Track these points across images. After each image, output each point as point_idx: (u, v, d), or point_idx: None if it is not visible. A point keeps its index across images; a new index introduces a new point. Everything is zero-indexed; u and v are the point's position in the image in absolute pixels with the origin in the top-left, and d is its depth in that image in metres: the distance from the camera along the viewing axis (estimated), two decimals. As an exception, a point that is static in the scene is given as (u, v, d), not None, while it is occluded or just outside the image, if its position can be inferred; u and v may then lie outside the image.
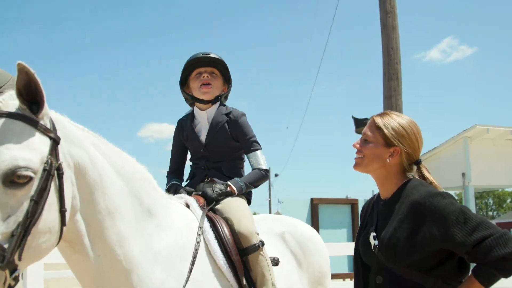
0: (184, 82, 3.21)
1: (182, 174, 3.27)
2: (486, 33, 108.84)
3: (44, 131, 1.82)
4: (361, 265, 2.45)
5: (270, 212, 45.72)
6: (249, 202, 3.07)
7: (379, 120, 2.36)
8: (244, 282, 2.53)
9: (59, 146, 1.88)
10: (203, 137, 3.09)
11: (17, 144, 1.73)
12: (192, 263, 2.30)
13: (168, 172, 3.27)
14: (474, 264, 2.12)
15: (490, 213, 70.07)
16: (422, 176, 2.37)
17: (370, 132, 2.38)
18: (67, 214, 1.89)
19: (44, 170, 1.77)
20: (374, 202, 2.48)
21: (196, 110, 3.17)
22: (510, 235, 2.07)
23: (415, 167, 2.38)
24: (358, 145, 2.41)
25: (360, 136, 2.45)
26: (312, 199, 10.81)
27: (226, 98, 3.27)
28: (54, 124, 1.91)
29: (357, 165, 2.42)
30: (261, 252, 2.63)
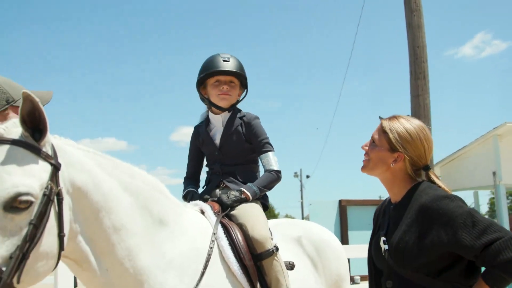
0: (201, 82, 3.22)
1: (199, 180, 3.31)
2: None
3: (45, 157, 1.88)
4: (374, 269, 2.45)
5: (302, 214, 45.60)
6: (265, 208, 3.08)
7: (386, 124, 2.36)
8: (259, 287, 2.55)
9: (60, 172, 1.93)
10: (217, 140, 3.13)
11: (19, 170, 1.78)
12: (205, 267, 2.34)
13: (184, 178, 3.31)
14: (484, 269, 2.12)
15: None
16: (430, 182, 2.34)
17: (377, 135, 2.39)
18: (65, 239, 1.93)
19: (44, 195, 1.81)
20: (386, 206, 2.48)
21: (211, 114, 3.22)
22: None
23: (423, 173, 2.36)
24: (366, 147, 2.43)
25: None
26: (340, 201, 10.78)
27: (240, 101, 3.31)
28: (56, 150, 1.96)
29: (363, 167, 2.43)
30: (275, 257, 2.65)
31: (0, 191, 1.72)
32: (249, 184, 2.96)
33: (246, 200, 2.88)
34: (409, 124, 2.34)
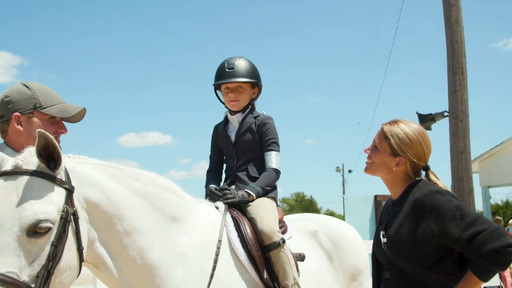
0: (218, 87, 3.45)
1: (221, 172, 3.51)
2: None
3: (60, 183, 2.10)
4: (376, 263, 2.63)
5: (344, 209, 45.38)
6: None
7: (387, 129, 2.51)
8: (266, 276, 2.76)
9: (74, 193, 2.16)
10: (233, 137, 3.36)
11: (37, 199, 2.01)
12: (215, 261, 2.56)
13: (207, 171, 3.52)
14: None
15: None
16: (430, 181, 2.49)
17: (378, 140, 2.54)
18: (84, 251, 2.16)
19: (61, 218, 2.05)
20: (389, 204, 2.66)
21: (228, 115, 3.47)
22: (503, 230, 2.20)
23: (423, 173, 2.52)
24: (368, 151, 2.59)
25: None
26: (375, 196, 10.80)
27: (255, 99, 3.50)
28: (69, 173, 2.19)
29: (366, 169, 2.61)
30: (282, 249, 2.84)
31: (22, 219, 1.94)
32: (252, 185, 3.16)
33: (251, 200, 3.08)
34: (408, 128, 2.48)
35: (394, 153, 2.47)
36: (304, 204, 61.65)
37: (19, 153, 2.56)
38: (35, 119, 2.61)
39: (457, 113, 10.19)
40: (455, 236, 2.20)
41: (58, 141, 2.69)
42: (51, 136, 2.03)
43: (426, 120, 11.11)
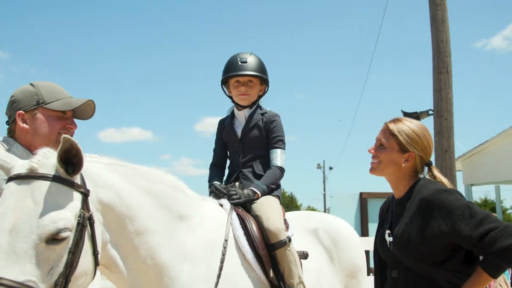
0: (225, 81, 3.44)
1: (224, 167, 3.49)
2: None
3: (77, 187, 2.03)
4: (379, 262, 2.64)
5: (325, 206, 45.64)
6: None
7: (393, 127, 2.53)
8: (272, 274, 2.74)
9: (89, 197, 2.10)
10: (239, 133, 3.34)
11: (55, 205, 1.93)
12: (222, 261, 2.53)
13: (210, 165, 3.50)
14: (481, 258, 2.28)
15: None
16: (433, 176, 2.54)
17: (384, 139, 2.55)
18: (99, 255, 2.11)
19: (78, 223, 1.98)
20: (390, 202, 2.68)
21: (235, 110, 3.44)
22: None
23: (426, 168, 2.56)
24: (373, 151, 2.58)
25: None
26: (361, 194, 10.89)
27: (263, 96, 3.50)
28: (83, 176, 2.11)
29: (373, 170, 2.59)
30: (288, 247, 2.83)
31: (41, 227, 1.87)
32: (257, 182, 3.14)
33: (256, 199, 3.06)
34: (413, 125, 2.53)
35: (403, 149, 2.49)
36: (284, 201, 61.79)
37: (27, 150, 2.53)
38: (39, 116, 2.56)
39: (442, 112, 10.28)
40: (466, 235, 2.22)
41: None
42: (76, 141, 1.97)
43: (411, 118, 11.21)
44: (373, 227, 9.78)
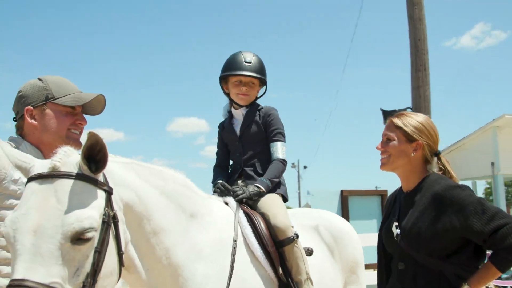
0: (223, 77, 3.40)
1: (228, 167, 3.48)
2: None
3: (100, 185, 1.97)
4: (383, 254, 2.67)
5: (299, 204, 45.70)
6: (285, 200, 3.26)
7: (397, 121, 2.57)
8: (280, 271, 2.74)
9: (112, 195, 2.03)
10: (238, 131, 3.34)
11: (80, 203, 1.86)
12: (232, 262, 2.51)
13: (214, 166, 3.49)
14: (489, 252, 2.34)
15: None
16: (443, 166, 2.57)
17: (390, 132, 2.58)
18: (124, 255, 2.06)
19: (103, 222, 1.92)
20: (397, 195, 2.69)
21: (233, 109, 3.43)
22: None
23: (435, 158, 2.58)
24: (381, 147, 2.61)
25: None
26: (342, 191, 10.96)
27: (260, 97, 3.50)
28: (105, 174, 2.05)
29: (383, 165, 2.61)
30: (295, 244, 2.84)
31: (66, 226, 1.79)
32: (261, 178, 3.14)
33: (262, 194, 3.06)
34: (417, 116, 2.59)
35: (409, 139, 2.52)
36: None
37: (36, 148, 2.46)
38: (49, 111, 2.48)
39: (420, 109, 10.41)
40: (478, 230, 2.26)
41: (81, 133, 2.60)
42: (102, 137, 1.90)
43: (389, 116, 11.33)
44: (354, 224, 9.86)
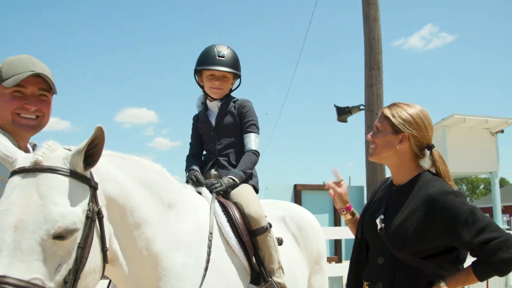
0: (199, 70, 3.42)
1: (200, 156, 3.50)
2: (467, 20, 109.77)
3: (85, 180, 1.93)
4: (360, 239, 2.63)
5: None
6: (256, 191, 3.31)
7: (387, 111, 2.53)
8: (254, 260, 2.79)
9: (97, 190, 2.00)
10: (213, 121, 3.37)
11: (64, 199, 1.82)
12: (208, 254, 2.51)
13: (187, 156, 3.50)
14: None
15: (464, 199, 71.73)
16: (434, 160, 2.48)
17: (380, 123, 2.54)
18: (108, 252, 2.03)
19: (87, 218, 1.88)
20: (387, 186, 2.63)
21: (208, 101, 3.46)
22: None
23: (427, 152, 2.51)
24: (370, 137, 2.58)
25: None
26: (295, 185, 11.12)
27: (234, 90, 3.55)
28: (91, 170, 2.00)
29: (371, 155, 2.59)
30: (269, 233, 2.90)
31: (48, 222, 1.74)
32: (235, 170, 3.18)
33: (236, 185, 3.10)
34: (408, 107, 2.51)
35: (396, 130, 2.47)
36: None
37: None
38: None
39: (373, 107, 10.64)
40: (466, 241, 2.22)
41: (39, 118, 2.45)
42: (104, 133, 1.87)
43: (343, 112, 11.57)
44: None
